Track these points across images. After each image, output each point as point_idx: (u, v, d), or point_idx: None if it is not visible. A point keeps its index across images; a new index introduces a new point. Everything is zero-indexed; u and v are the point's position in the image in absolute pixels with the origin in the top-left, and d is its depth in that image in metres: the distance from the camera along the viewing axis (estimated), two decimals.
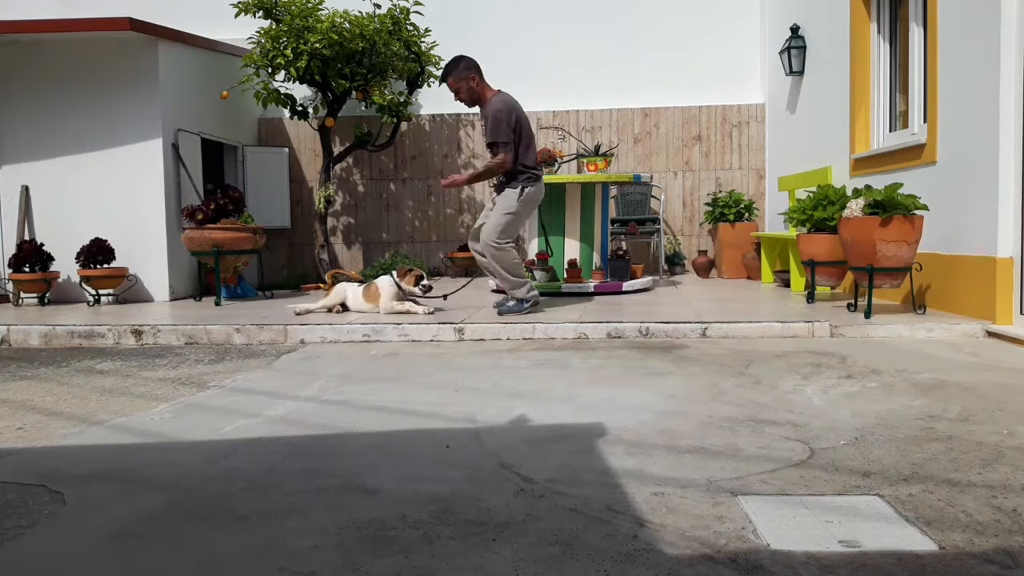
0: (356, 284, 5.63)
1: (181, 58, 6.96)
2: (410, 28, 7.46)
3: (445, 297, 5.38)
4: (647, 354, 4.01)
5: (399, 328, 4.67)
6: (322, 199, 7.67)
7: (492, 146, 5.10)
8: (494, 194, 5.35)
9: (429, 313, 5.12)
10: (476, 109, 8.53)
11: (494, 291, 6.63)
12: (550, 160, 6.59)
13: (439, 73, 7.86)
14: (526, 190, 5.09)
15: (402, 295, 5.31)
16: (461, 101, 5.26)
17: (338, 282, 7.44)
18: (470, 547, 1.68)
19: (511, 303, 5.14)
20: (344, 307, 5.48)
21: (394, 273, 5.45)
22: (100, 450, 2.52)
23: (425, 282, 5.31)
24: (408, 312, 5.17)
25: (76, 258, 6.37)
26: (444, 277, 8.56)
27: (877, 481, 2.04)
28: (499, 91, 5.22)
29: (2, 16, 6.94)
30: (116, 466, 2.34)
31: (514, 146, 5.04)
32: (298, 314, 5.34)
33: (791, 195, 7.04)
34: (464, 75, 5.15)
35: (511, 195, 5.10)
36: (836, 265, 5.14)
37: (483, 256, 5.17)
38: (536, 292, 5.22)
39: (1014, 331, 4.09)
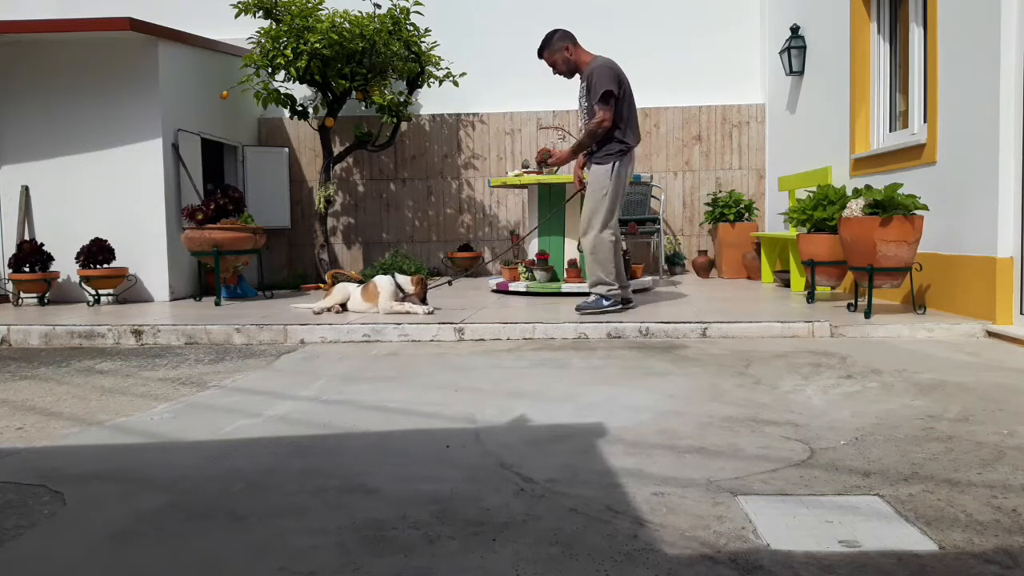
0: (356, 284, 5.63)
1: (181, 58, 6.96)
2: (410, 28, 7.46)
3: (450, 283, 5.40)
4: (647, 354, 4.01)
5: (399, 328, 4.67)
6: (322, 199, 7.67)
7: (593, 109, 4.86)
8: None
9: (428, 313, 5.11)
10: (479, 109, 8.70)
11: (494, 291, 6.63)
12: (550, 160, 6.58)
13: (439, 73, 7.89)
14: (616, 166, 4.88)
15: (401, 295, 5.31)
16: (560, 74, 5.13)
17: (338, 282, 7.45)
18: (470, 547, 1.68)
19: (591, 299, 5.02)
20: (343, 307, 5.48)
21: (395, 274, 5.44)
22: (100, 450, 2.52)
23: (427, 306, 5.32)
24: (407, 312, 5.17)
25: (76, 258, 6.37)
26: (444, 277, 8.56)
27: (877, 481, 2.04)
28: (597, 56, 5.03)
29: (3, 16, 6.93)
30: (116, 466, 2.34)
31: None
32: (316, 313, 5.34)
33: (791, 195, 7.04)
34: (558, 47, 5.01)
35: (601, 173, 4.90)
36: (836, 265, 5.14)
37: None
38: (619, 292, 5.03)
39: (1014, 331, 4.08)
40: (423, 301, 5.30)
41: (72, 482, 2.19)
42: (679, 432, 2.54)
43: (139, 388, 3.46)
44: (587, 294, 6.12)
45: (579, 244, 5.82)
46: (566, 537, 1.71)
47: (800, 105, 7.40)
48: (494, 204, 8.81)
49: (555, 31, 5.09)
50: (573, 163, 5.73)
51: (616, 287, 5.01)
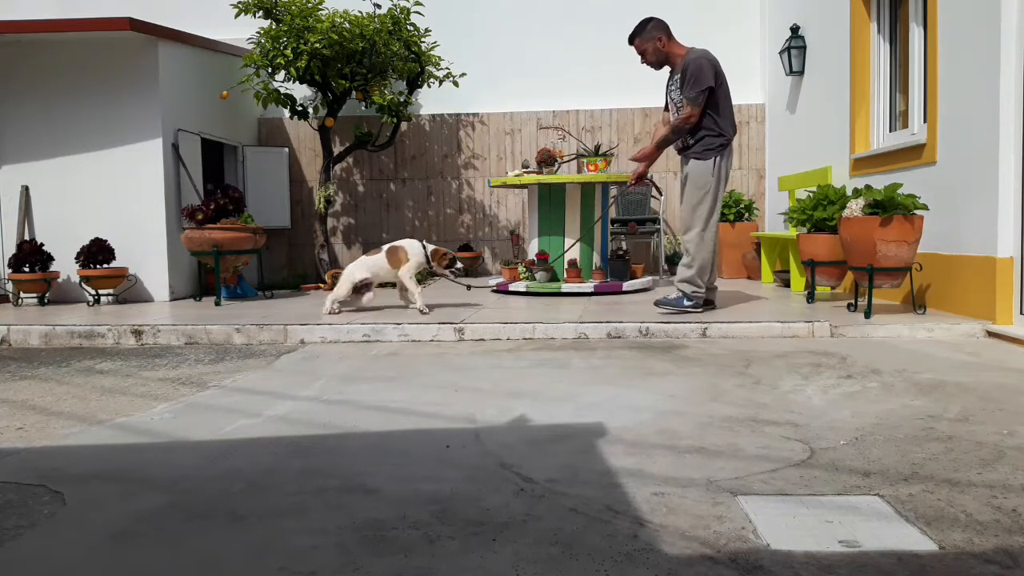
0: (370, 255, 5.44)
1: (181, 58, 6.96)
2: (410, 28, 7.46)
3: (469, 288, 5.46)
4: (647, 354, 4.01)
5: (399, 328, 4.67)
6: (322, 199, 7.67)
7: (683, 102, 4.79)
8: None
9: (424, 312, 5.11)
10: (479, 109, 8.70)
11: (494, 291, 6.63)
12: (550, 160, 6.59)
13: (439, 73, 7.89)
14: (718, 163, 4.79)
15: (429, 267, 5.29)
16: (647, 64, 5.03)
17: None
18: (470, 547, 1.68)
19: (672, 296, 4.93)
20: (358, 290, 5.36)
21: (427, 245, 5.34)
22: (100, 450, 2.52)
23: (458, 265, 5.28)
24: (409, 302, 5.25)
25: (76, 258, 6.37)
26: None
27: (877, 481, 2.04)
28: (692, 48, 4.91)
29: (2, 16, 6.93)
30: (116, 466, 2.34)
31: (707, 104, 4.73)
32: (333, 314, 5.27)
33: (791, 195, 7.04)
34: (651, 36, 4.90)
35: (702, 169, 4.81)
36: (836, 265, 5.14)
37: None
38: (703, 295, 4.91)
39: (1014, 331, 4.08)
40: (455, 274, 5.33)
41: (72, 482, 2.19)
42: (679, 432, 2.54)
43: (139, 388, 3.46)
44: (588, 294, 6.14)
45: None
46: (566, 537, 1.71)
47: (800, 105, 7.40)
48: (494, 204, 8.81)
49: (650, 19, 4.96)
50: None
51: (702, 290, 4.91)
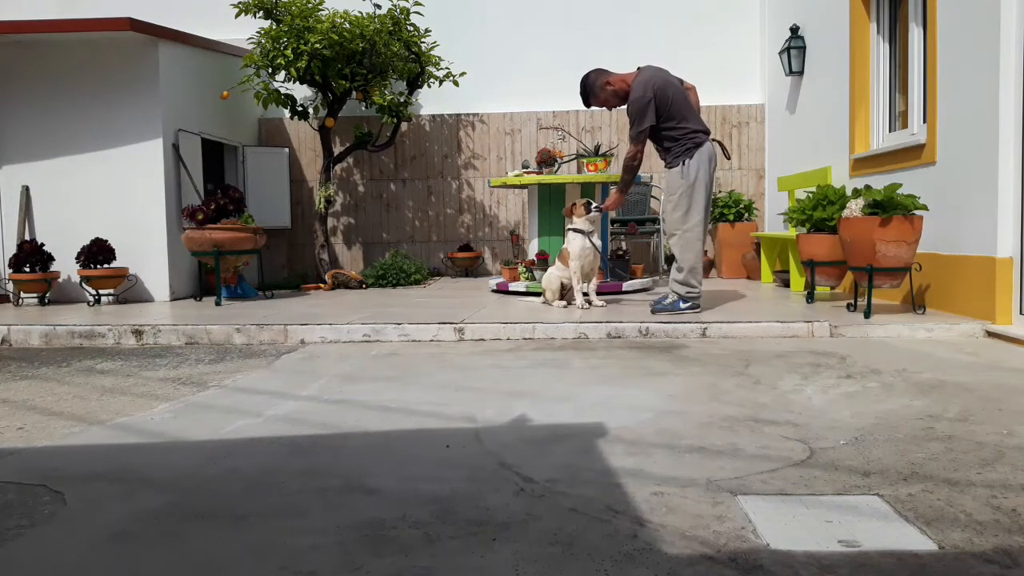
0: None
1: (181, 58, 6.97)
2: (410, 28, 7.47)
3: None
4: (647, 354, 4.01)
5: (399, 328, 4.67)
6: (322, 199, 7.67)
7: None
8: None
9: (598, 307, 5.23)
10: (479, 109, 8.71)
11: (494, 291, 6.63)
12: (550, 160, 6.59)
13: (439, 73, 7.89)
14: (687, 164, 4.85)
15: (592, 244, 5.26)
16: (617, 107, 5.13)
17: (339, 282, 7.42)
18: (470, 547, 1.68)
19: (667, 300, 4.96)
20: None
21: (572, 220, 5.32)
22: (100, 450, 2.52)
23: (595, 204, 5.32)
24: (572, 301, 5.32)
25: (76, 258, 6.37)
26: (444, 277, 8.57)
27: (877, 481, 2.04)
28: (637, 72, 4.97)
29: (3, 16, 6.94)
30: (116, 466, 2.34)
31: (660, 119, 4.84)
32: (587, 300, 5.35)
33: (791, 195, 7.04)
34: (599, 87, 5.01)
35: (673, 176, 4.92)
36: (836, 265, 5.14)
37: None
38: (699, 295, 4.95)
39: (1014, 331, 4.09)
40: (598, 210, 5.31)
41: (72, 482, 2.19)
42: (679, 432, 2.55)
43: (139, 388, 3.46)
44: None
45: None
46: (566, 537, 1.72)
47: (800, 105, 7.40)
48: (494, 204, 8.81)
49: (586, 76, 5.06)
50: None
51: (697, 290, 4.94)
